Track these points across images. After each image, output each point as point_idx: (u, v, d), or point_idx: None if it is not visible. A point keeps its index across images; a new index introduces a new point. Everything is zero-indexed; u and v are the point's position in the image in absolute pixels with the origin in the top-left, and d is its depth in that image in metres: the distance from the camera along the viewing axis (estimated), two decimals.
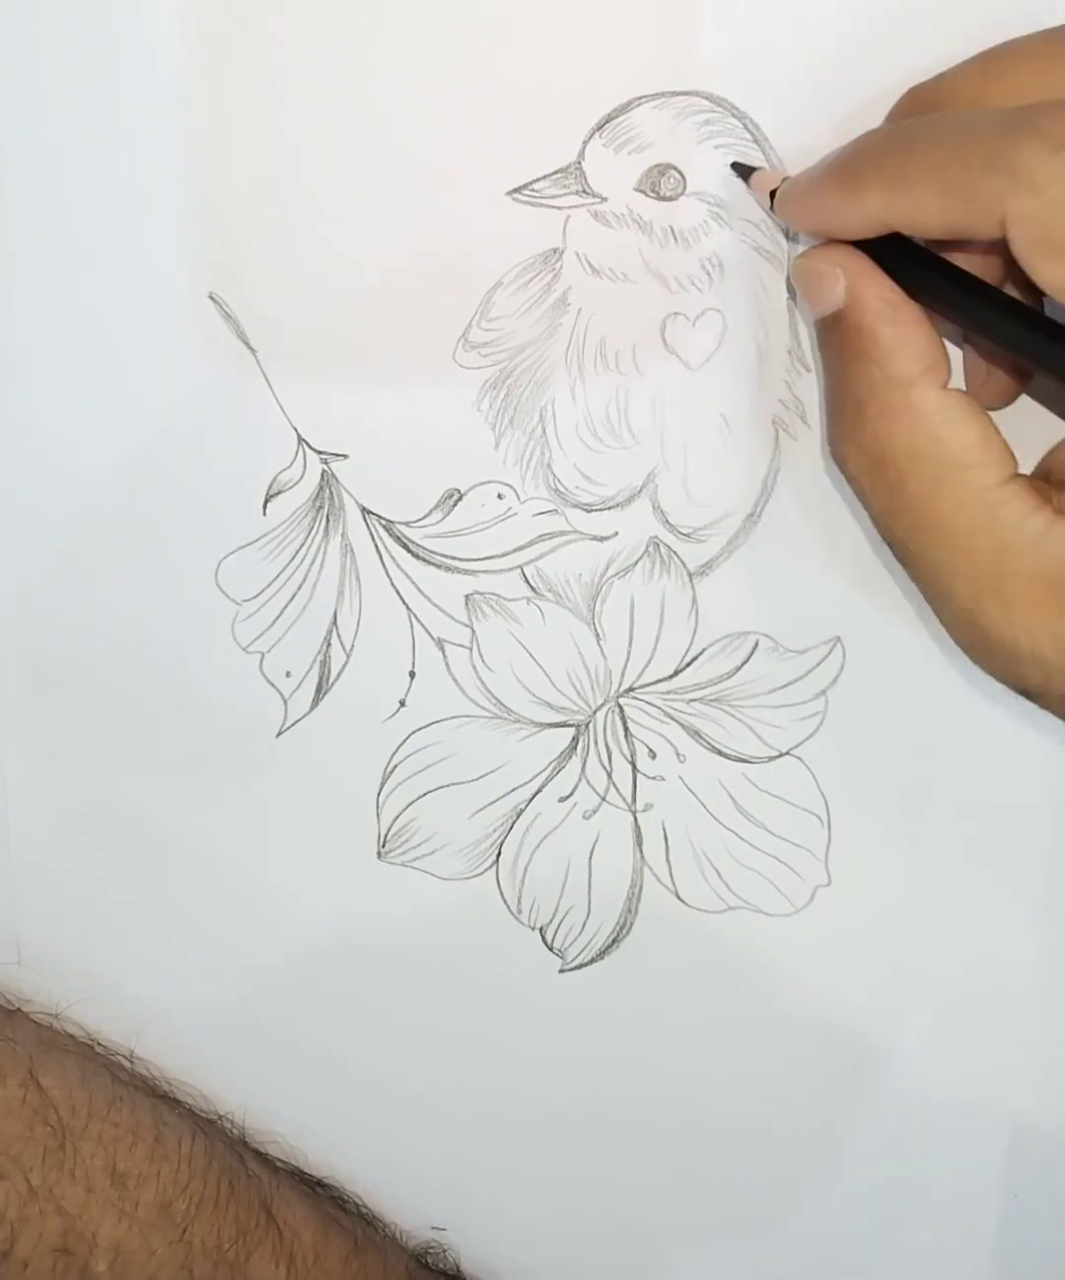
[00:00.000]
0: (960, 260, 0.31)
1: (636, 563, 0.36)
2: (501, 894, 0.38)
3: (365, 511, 0.36)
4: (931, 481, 0.29)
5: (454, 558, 0.36)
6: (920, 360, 0.30)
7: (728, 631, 0.37)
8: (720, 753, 0.37)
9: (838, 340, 0.31)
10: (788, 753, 0.37)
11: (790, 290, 0.35)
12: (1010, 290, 0.31)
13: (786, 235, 0.34)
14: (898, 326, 0.30)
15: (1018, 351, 0.30)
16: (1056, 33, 0.30)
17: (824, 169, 0.31)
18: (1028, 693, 0.31)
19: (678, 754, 0.37)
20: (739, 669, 0.37)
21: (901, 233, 0.30)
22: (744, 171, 0.34)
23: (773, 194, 0.33)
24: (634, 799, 0.37)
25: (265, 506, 0.36)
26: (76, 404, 0.36)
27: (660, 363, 0.35)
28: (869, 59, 0.34)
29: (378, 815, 0.38)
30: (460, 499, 0.36)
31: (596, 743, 0.37)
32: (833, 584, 0.36)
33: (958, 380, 0.33)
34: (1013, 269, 0.29)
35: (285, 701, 0.37)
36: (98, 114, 0.35)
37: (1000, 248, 0.28)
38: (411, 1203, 0.39)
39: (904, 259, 0.31)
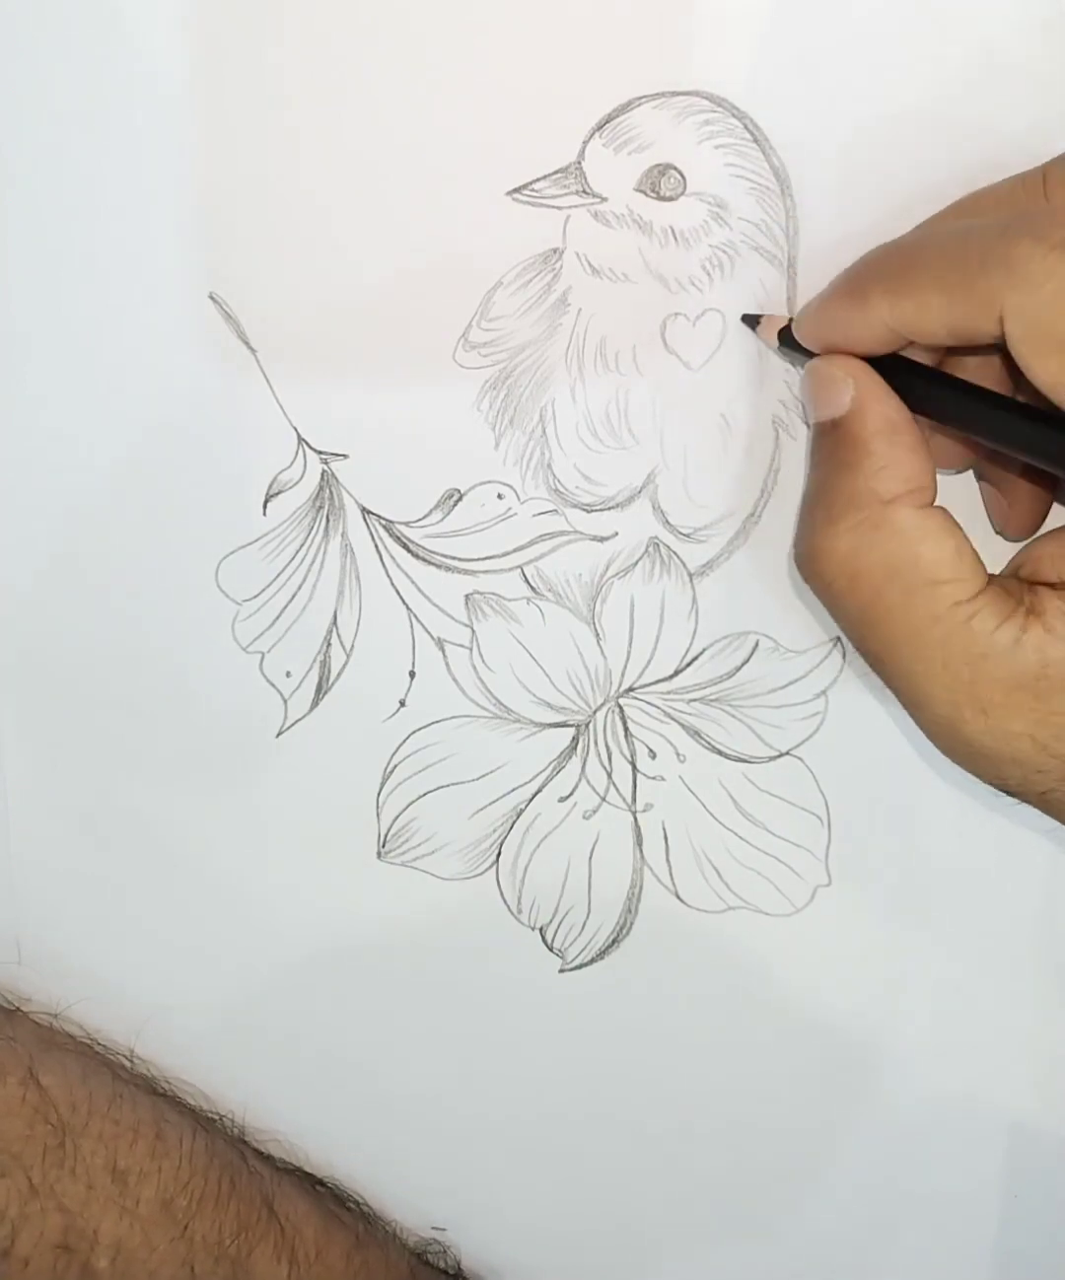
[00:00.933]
0: (968, 375, 0.32)
1: (636, 563, 0.36)
2: (501, 894, 0.38)
3: (365, 511, 0.36)
4: (906, 596, 0.30)
5: (454, 558, 0.36)
6: (908, 481, 0.31)
7: (728, 631, 0.37)
8: (720, 753, 0.37)
9: (832, 446, 0.32)
10: (788, 753, 0.37)
11: (789, 310, 0.35)
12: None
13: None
14: (892, 444, 0.31)
15: (1025, 449, 0.31)
16: (1035, 171, 0.31)
17: (833, 285, 0.32)
18: (1009, 791, 0.32)
19: (678, 754, 0.37)
20: (739, 669, 0.37)
21: (909, 348, 0.31)
22: (752, 321, 0.35)
23: (779, 333, 0.34)
24: (634, 799, 0.37)
25: (265, 506, 0.36)
26: (76, 404, 0.36)
27: (660, 363, 0.35)
28: (868, 59, 0.34)
29: (378, 815, 0.38)
30: (460, 499, 0.36)
31: (596, 743, 0.37)
32: None
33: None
34: (1020, 379, 0.29)
35: (285, 701, 0.37)
36: (98, 114, 0.35)
37: (1005, 355, 0.29)
38: (411, 1202, 0.39)
39: (913, 377, 0.31)
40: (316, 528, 0.36)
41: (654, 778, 0.37)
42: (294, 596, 0.37)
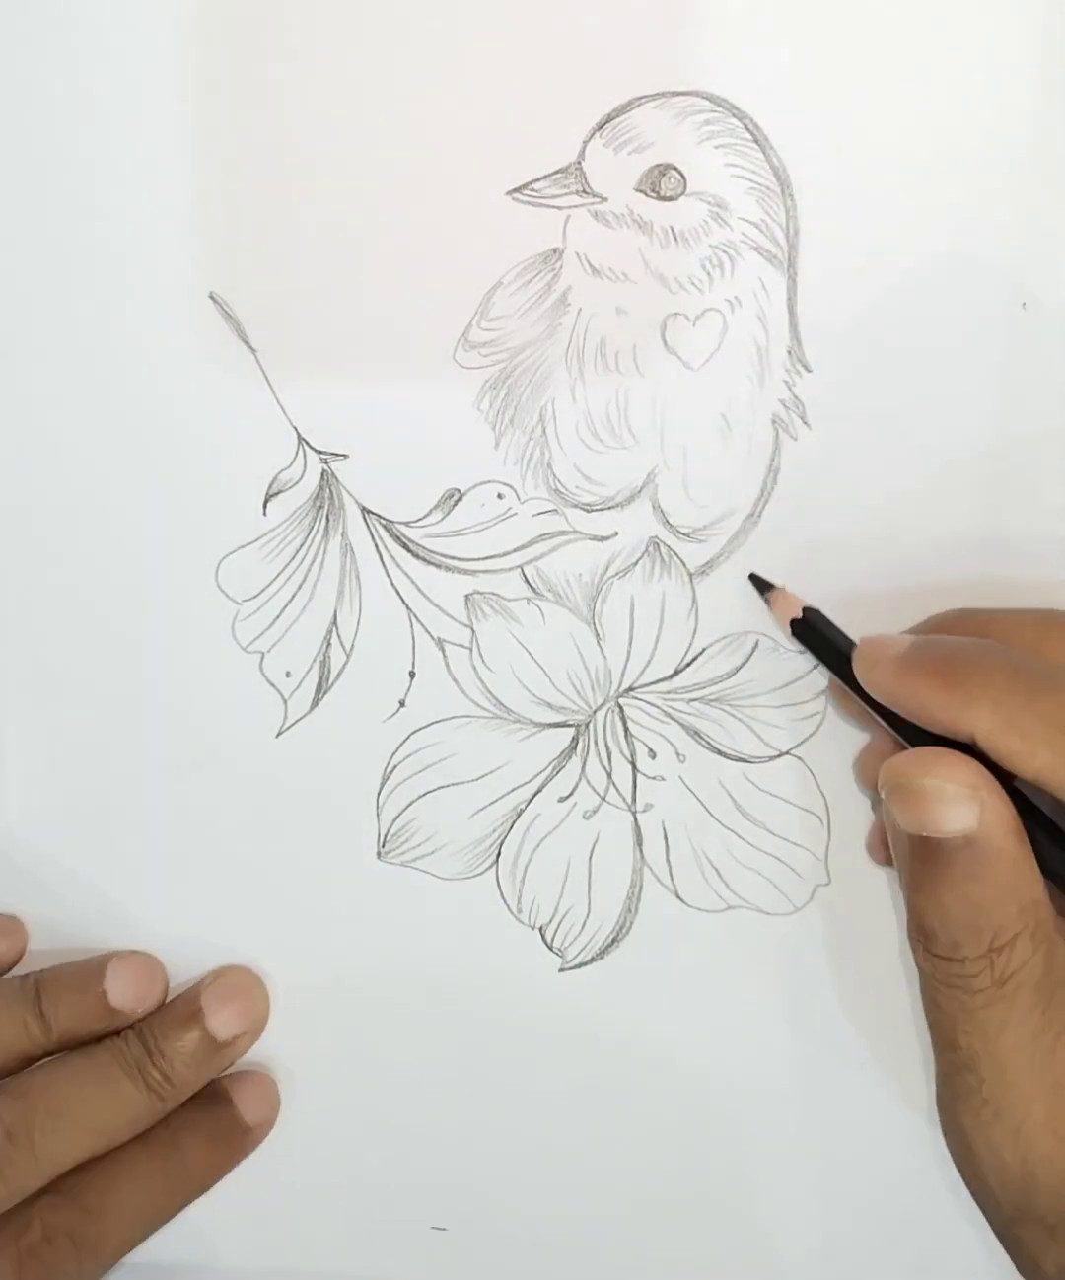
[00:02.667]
0: None
1: (636, 563, 0.36)
2: (501, 894, 0.38)
3: (365, 511, 0.36)
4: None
5: (454, 558, 0.36)
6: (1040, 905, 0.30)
7: (728, 631, 0.37)
8: (720, 753, 0.37)
9: (968, 861, 0.29)
10: (788, 753, 0.37)
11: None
12: None
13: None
14: (1025, 851, 0.29)
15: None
16: None
17: (927, 658, 0.30)
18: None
19: (678, 754, 0.37)
20: (739, 669, 0.37)
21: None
22: (762, 585, 0.35)
23: (803, 611, 0.34)
24: (634, 799, 0.37)
25: (265, 506, 0.36)
26: (77, 404, 0.36)
27: (660, 363, 0.35)
28: (868, 59, 0.34)
29: (378, 815, 0.38)
30: (460, 499, 0.36)
31: (596, 743, 0.37)
32: (833, 583, 0.36)
33: None
34: None
35: (285, 701, 0.37)
36: (98, 114, 0.35)
37: None
38: (411, 1202, 0.39)
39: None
40: (316, 528, 0.36)
41: (654, 778, 0.37)
42: (294, 596, 0.37)
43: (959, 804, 0.29)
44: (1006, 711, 0.29)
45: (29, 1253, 0.34)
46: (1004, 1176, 0.30)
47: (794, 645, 0.36)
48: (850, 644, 0.34)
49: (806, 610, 0.35)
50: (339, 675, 0.37)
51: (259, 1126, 0.38)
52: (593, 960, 0.38)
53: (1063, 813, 0.31)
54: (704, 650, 0.37)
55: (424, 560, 0.36)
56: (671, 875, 0.38)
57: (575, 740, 0.37)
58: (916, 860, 0.30)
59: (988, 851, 0.29)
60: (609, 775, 0.37)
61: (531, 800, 0.37)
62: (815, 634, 0.35)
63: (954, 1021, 0.30)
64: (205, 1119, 0.37)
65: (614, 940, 0.38)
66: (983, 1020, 0.30)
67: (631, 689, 0.37)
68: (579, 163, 0.34)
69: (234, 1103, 0.37)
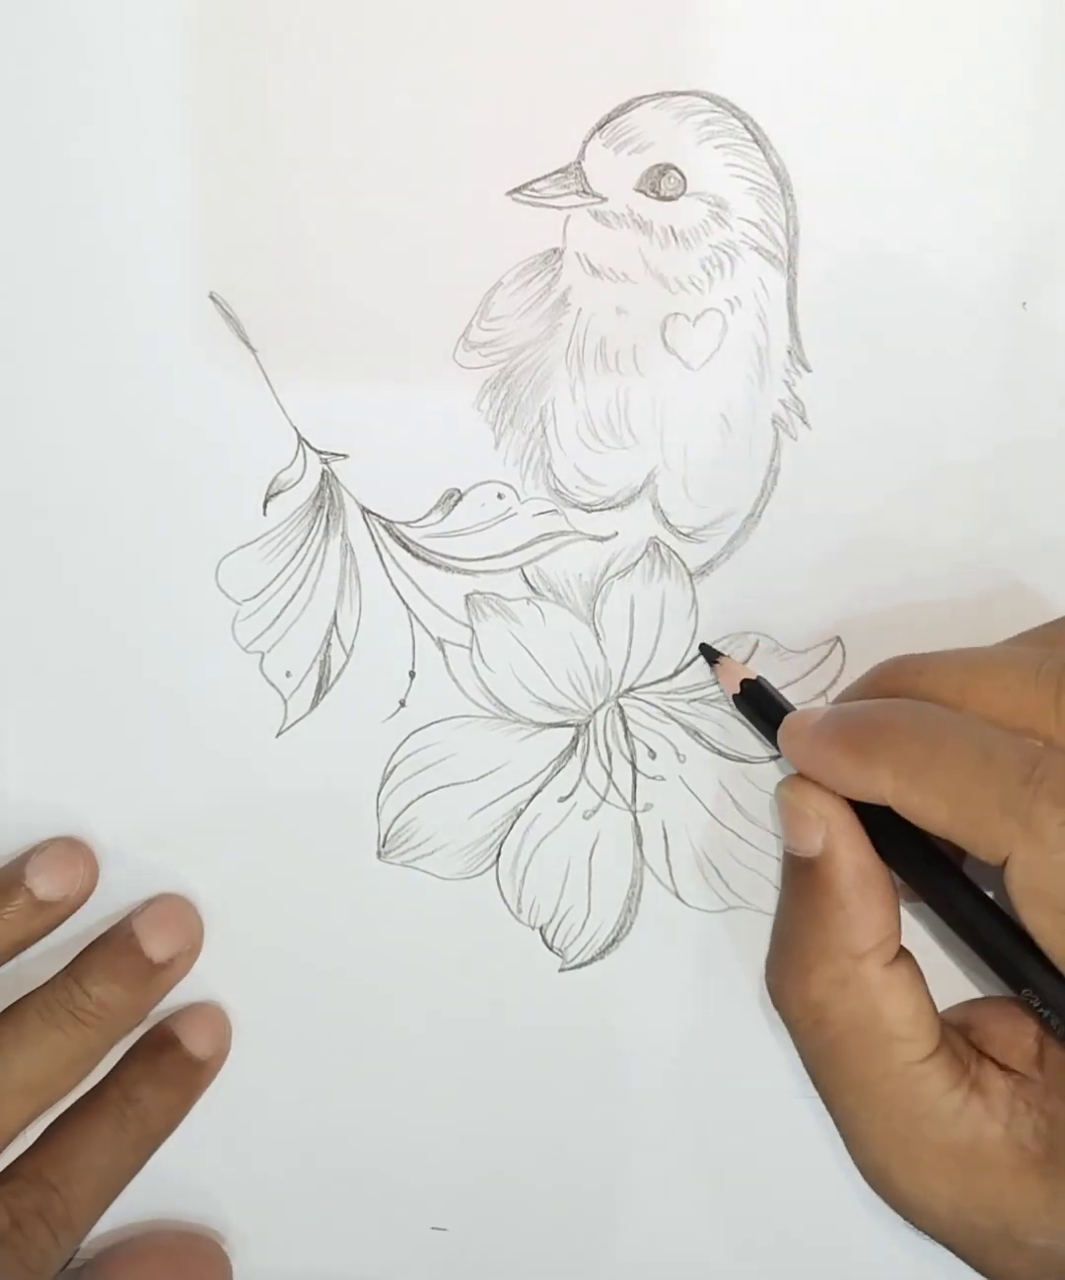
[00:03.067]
0: None
1: (636, 563, 0.36)
2: (501, 894, 0.38)
3: (365, 511, 0.36)
4: (865, 1048, 0.31)
5: (454, 558, 0.36)
6: (878, 935, 0.31)
7: (728, 631, 0.37)
8: (720, 753, 0.37)
9: (803, 887, 0.32)
10: None
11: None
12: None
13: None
14: (866, 900, 0.31)
15: (974, 942, 0.31)
16: (1035, 658, 0.31)
17: (835, 727, 0.31)
18: (924, 1232, 0.32)
19: (678, 754, 0.37)
20: None
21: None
22: (710, 655, 0.35)
23: (745, 683, 0.34)
24: (634, 799, 0.37)
25: (265, 506, 0.36)
26: (77, 404, 0.36)
27: (660, 363, 0.35)
28: (869, 59, 0.34)
29: (378, 815, 0.38)
30: (460, 499, 0.36)
31: (596, 743, 0.37)
32: (833, 584, 0.36)
33: None
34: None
35: (285, 701, 0.37)
36: (98, 114, 0.35)
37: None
38: (412, 1202, 0.39)
39: (889, 822, 0.31)
40: (316, 528, 0.36)
41: (654, 778, 0.37)
42: (294, 596, 0.37)
43: (807, 826, 0.31)
44: (907, 771, 0.29)
45: (0, 1240, 0.34)
46: (926, 1219, 0.32)
47: (801, 648, 0.36)
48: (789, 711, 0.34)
49: (746, 683, 0.35)
50: (339, 675, 0.37)
51: (212, 1058, 0.38)
52: (593, 960, 0.38)
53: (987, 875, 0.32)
54: None
55: (424, 560, 0.36)
56: (671, 875, 0.38)
57: (575, 740, 0.37)
58: (788, 879, 0.33)
59: (828, 874, 0.31)
60: (609, 775, 0.37)
61: (531, 800, 0.37)
62: (753, 704, 0.35)
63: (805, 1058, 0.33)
64: (154, 1066, 0.37)
65: (614, 940, 0.38)
66: (814, 1056, 0.32)
67: (631, 689, 0.37)
68: (579, 163, 0.34)
69: (181, 1042, 0.37)
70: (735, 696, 0.35)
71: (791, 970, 0.32)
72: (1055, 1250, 0.30)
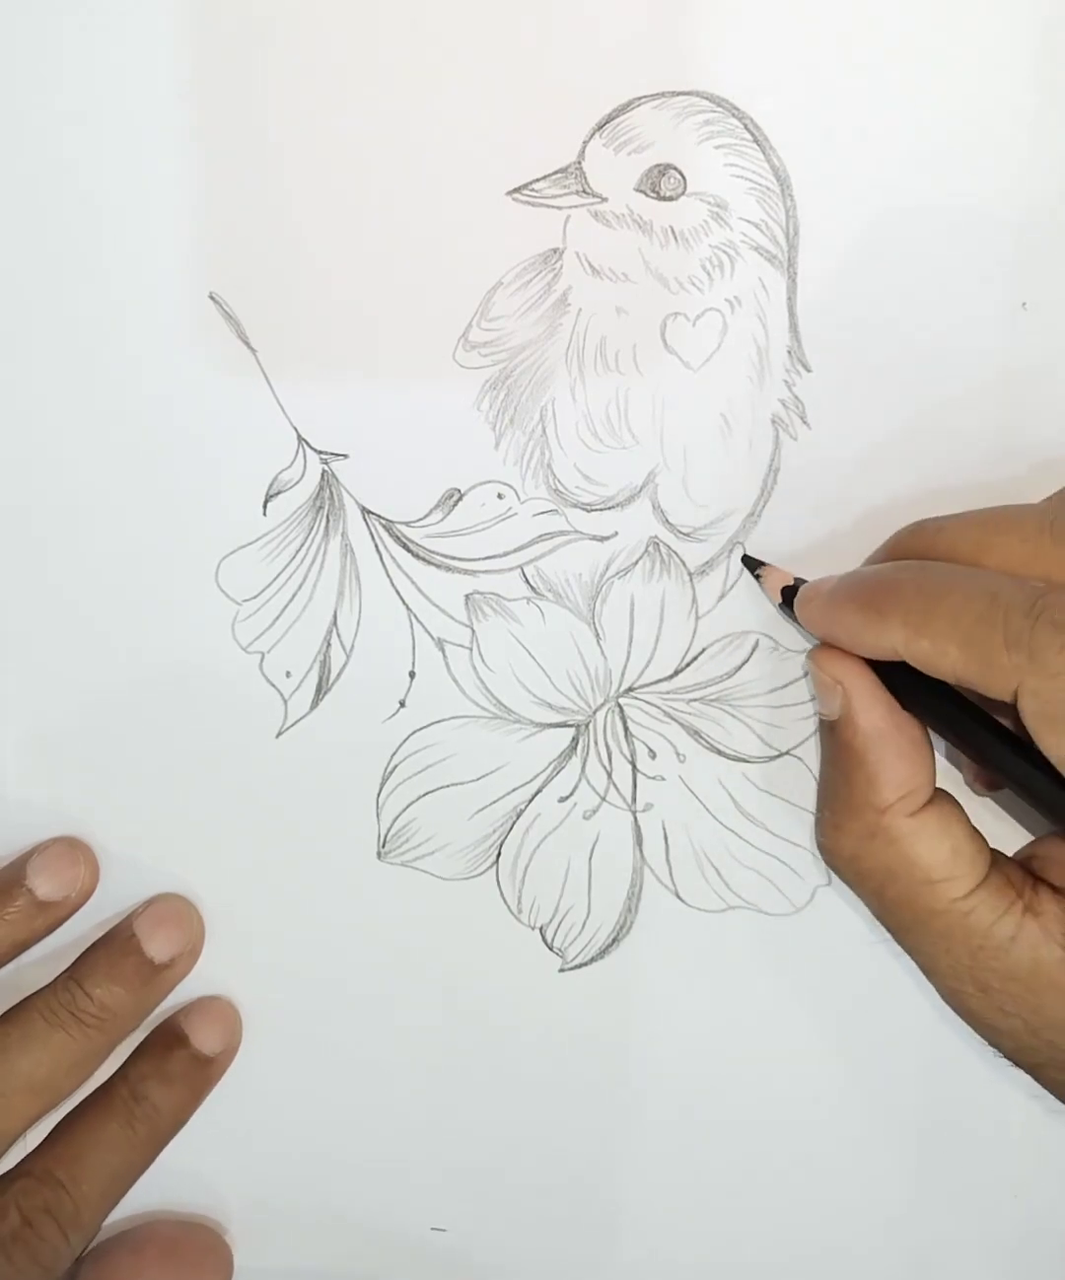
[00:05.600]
0: None
1: (636, 563, 0.36)
2: (501, 894, 0.38)
3: (365, 511, 0.36)
4: (908, 893, 0.32)
5: (454, 558, 0.36)
6: (900, 788, 0.32)
7: (728, 631, 0.37)
8: (720, 753, 0.37)
9: (831, 745, 0.34)
10: (788, 753, 0.37)
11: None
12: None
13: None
14: (883, 755, 0.32)
15: (1013, 782, 0.32)
16: (1051, 509, 0.32)
17: (848, 589, 0.32)
18: (1004, 1055, 0.33)
19: (678, 754, 0.37)
20: (739, 669, 0.37)
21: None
22: (753, 565, 0.36)
23: (784, 590, 0.35)
24: (634, 799, 0.37)
25: (265, 506, 0.36)
26: (77, 403, 0.36)
27: (660, 363, 0.35)
28: (869, 59, 0.34)
29: (378, 815, 0.38)
30: (460, 499, 0.36)
31: (596, 743, 0.37)
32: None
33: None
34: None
35: (285, 701, 0.37)
36: (97, 114, 0.35)
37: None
38: (411, 1202, 0.39)
39: (915, 685, 0.32)
40: (316, 528, 0.36)
41: (654, 778, 0.37)
42: (294, 596, 0.37)
43: (828, 690, 0.33)
44: (914, 619, 0.30)
45: (12, 1239, 0.34)
46: (1006, 1040, 0.33)
47: (800, 647, 0.36)
48: None
49: (798, 580, 0.35)
50: (339, 675, 0.37)
51: (221, 1055, 0.38)
52: (593, 960, 0.38)
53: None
54: (704, 650, 0.37)
55: (424, 560, 0.36)
56: (671, 875, 0.38)
57: (575, 740, 0.37)
58: (822, 742, 0.35)
59: (847, 735, 0.33)
60: (609, 775, 0.37)
61: (532, 800, 0.37)
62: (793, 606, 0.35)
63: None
64: (162, 1063, 0.37)
65: (614, 940, 0.38)
66: (869, 904, 0.34)
67: (631, 689, 0.37)
68: (579, 163, 0.34)
69: (189, 1039, 0.37)
70: (786, 592, 0.35)
71: (827, 828, 0.34)
72: None
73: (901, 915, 0.33)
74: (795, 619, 0.34)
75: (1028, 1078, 0.33)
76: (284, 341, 0.36)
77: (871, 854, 0.33)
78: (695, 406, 0.36)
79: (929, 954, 0.33)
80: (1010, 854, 0.34)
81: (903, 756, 0.32)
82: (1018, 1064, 0.33)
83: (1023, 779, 0.31)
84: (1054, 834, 0.34)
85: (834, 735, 0.33)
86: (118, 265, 0.35)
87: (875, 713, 0.32)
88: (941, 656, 0.30)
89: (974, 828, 0.33)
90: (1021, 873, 0.33)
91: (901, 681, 0.32)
